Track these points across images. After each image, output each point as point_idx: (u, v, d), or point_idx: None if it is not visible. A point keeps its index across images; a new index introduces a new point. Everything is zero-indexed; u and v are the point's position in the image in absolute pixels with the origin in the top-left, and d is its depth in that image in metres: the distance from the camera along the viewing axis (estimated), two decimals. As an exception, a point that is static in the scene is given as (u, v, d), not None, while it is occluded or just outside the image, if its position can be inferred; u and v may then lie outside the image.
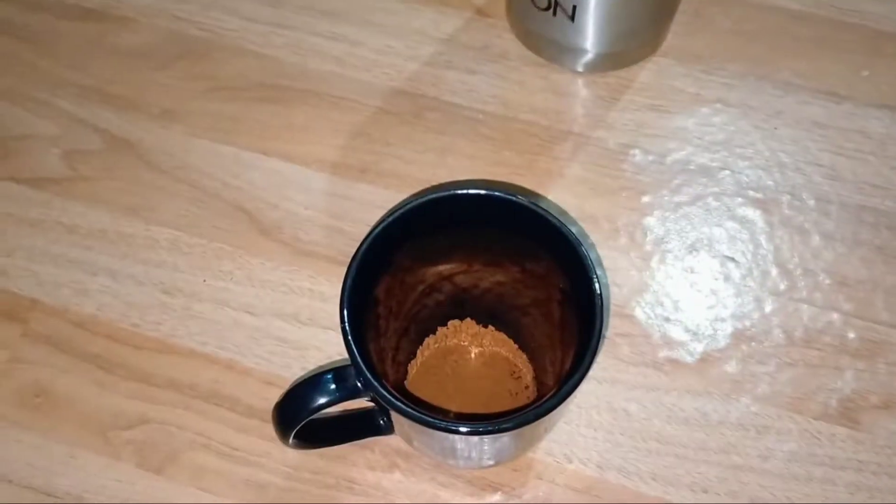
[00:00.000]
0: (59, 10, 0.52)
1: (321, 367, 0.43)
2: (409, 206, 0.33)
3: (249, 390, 0.42)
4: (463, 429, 0.30)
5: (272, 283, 0.45)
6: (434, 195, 0.34)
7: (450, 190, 0.34)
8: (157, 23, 0.52)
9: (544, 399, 0.30)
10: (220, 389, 0.43)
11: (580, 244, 0.32)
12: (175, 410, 0.42)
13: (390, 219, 0.33)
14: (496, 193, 0.34)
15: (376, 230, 0.33)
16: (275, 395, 0.36)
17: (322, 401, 0.32)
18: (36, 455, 0.42)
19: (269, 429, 0.40)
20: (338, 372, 0.32)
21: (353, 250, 0.34)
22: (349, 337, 0.31)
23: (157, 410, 0.42)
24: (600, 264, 0.45)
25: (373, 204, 0.46)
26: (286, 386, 0.41)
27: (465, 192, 0.34)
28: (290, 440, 0.34)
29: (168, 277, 0.45)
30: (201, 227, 0.46)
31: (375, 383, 0.31)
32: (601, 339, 0.32)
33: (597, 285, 0.32)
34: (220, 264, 0.45)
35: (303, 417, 0.33)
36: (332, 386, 0.32)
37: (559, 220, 0.33)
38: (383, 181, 0.47)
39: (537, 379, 0.41)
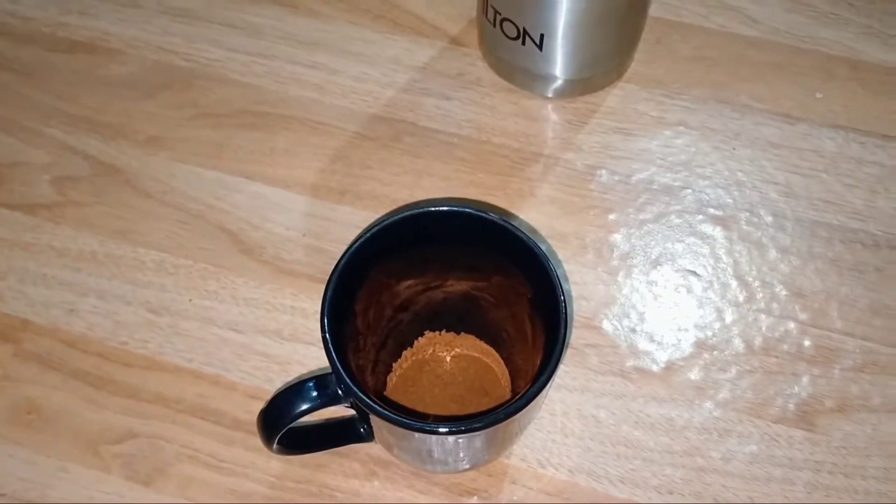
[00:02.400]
0: (50, 43, 0.54)
1: (303, 375, 0.44)
2: (385, 223, 0.36)
3: (234, 404, 0.44)
4: (441, 429, 0.32)
5: (256, 302, 0.47)
6: (408, 212, 0.36)
7: (423, 207, 0.36)
8: (143, 54, 0.54)
9: (513, 400, 0.32)
10: (206, 403, 0.44)
11: (544, 255, 0.35)
12: (163, 424, 0.44)
13: (368, 235, 0.35)
14: (467, 210, 0.36)
15: (354, 245, 0.35)
16: (259, 407, 0.37)
17: (304, 407, 0.34)
18: (29, 469, 0.43)
19: (254, 440, 0.42)
20: (319, 379, 0.34)
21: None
22: (329, 345, 0.33)
23: (146, 425, 0.44)
24: (568, 279, 0.47)
25: (352, 224, 0.48)
26: (270, 398, 0.43)
27: (437, 209, 0.36)
28: (274, 446, 0.36)
29: (155, 297, 0.47)
30: (187, 249, 0.48)
31: (355, 388, 0.32)
32: (566, 344, 0.33)
33: (560, 292, 0.34)
34: (206, 284, 0.47)
35: (286, 423, 0.35)
36: (314, 393, 0.34)
37: (525, 235, 0.35)
38: (362, 202, 0.49)
39: (514, 387, 0.42)
